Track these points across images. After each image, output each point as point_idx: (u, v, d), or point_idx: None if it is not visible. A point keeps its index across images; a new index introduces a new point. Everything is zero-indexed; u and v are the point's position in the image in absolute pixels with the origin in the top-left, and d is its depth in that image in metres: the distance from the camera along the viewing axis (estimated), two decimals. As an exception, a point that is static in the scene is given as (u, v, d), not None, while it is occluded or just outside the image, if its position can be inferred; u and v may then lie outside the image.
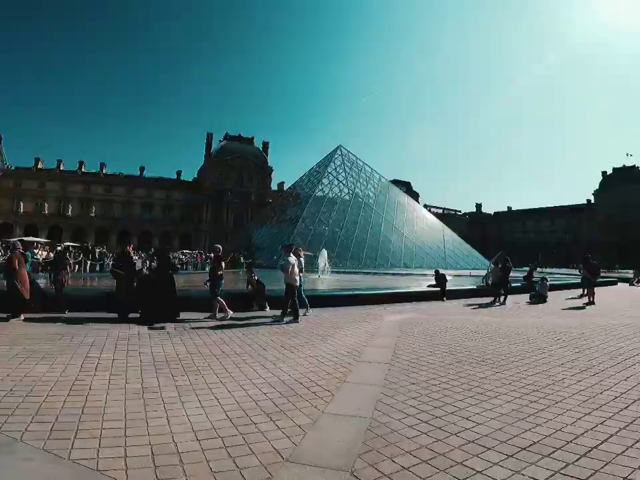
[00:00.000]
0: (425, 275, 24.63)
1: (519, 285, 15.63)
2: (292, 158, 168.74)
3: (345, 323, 8.02)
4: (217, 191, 73.24)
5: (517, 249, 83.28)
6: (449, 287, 14.61)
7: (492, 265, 13.74)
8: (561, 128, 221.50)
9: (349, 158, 46.38)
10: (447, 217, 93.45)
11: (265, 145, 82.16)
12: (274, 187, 78.87)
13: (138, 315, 7.67)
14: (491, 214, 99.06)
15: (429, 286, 13.54)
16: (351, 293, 12.56)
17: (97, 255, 22.25)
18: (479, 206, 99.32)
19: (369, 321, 8.37)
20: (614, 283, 23.28)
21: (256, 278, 9.91)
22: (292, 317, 8.08)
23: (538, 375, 4.36)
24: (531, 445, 2.66)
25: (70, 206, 65.60)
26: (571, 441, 2.70)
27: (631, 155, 72.95)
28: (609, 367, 4.70)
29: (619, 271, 45.75)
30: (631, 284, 23.28)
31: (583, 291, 15.17)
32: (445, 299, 12.73)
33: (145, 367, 4.56)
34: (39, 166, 67.56)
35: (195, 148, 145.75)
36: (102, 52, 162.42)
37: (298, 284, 8.34)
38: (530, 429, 2.91)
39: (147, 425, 2.97)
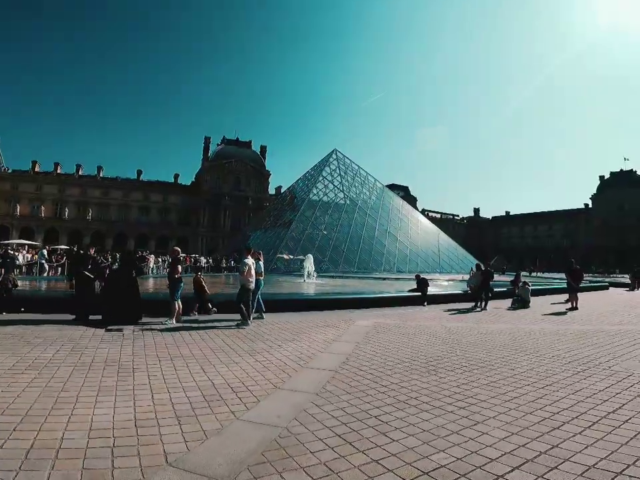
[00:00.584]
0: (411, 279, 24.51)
1: (505, 289, 15.50)
2: (290, 161, 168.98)
3: (311, 327, 7.85)
4: (214, 195, 73.24)
5: (515, 253, 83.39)
6: (435, 291, 14.50)
7: (473, 270, 13.58)
8: (559, 132, 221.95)
9: (344, 162, 46.38)
10: (445, 222, 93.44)
11: (263, 148, 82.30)
12: (272, 190, 79.02)
13: (100, 317, 7.57)
14: (489, 218, 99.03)
15: (409, 291, 13.37)
16: (326, 297, 12.41)
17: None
18: (476, 211, 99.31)
19: (338, 325, 8.19)
20: (605, 288, 23.08)
21: (202, 277, 9.90)
22: (243, 320, 7.87)
23: (484, 387, 4.12)
24: (435, 469, 2.42)
25: (67, 209, 65.60)
26: (480, 467, 2.46)
27: (628, 159, 72.75)
28: (563, 378, 4.43)
29: (617, 275, 45.51)
30: (632, 289, 22.98)
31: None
32: (425, 304, 12.56)
33: (79, 367, 4.48)
34: (36, 169, 67.61)
35: (192, 151, 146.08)
36: (100, 54, 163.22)
37: (253, 286, 8.19)
38: (444, 449, 2.69)
39: (43, 421, 2.97)
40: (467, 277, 30.13)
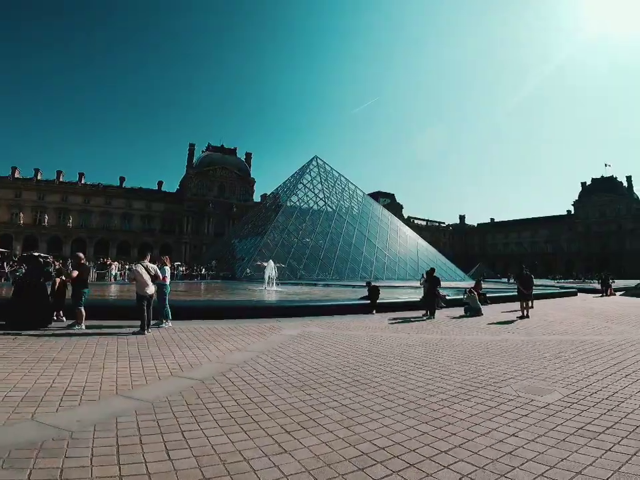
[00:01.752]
0: (391, 287, 24.26)
1: (462, 297, 15.28)
2: (277, 169, 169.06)
3: (224, 336, 7.60)
4: (198, 202, 72.73)
5: (500, 259, 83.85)
6: (390, 299, 14.27)
7: (424, 276, 13.38)
8: (543, 139, 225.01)
9: (324, 169, 46.25)
10: (431, 229, 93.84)
11: (248, 155, 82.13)
12: (257, 198, 78.56)
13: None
14: (474, 225, 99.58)
15: (361, 298, 13.12)
16: (256, 304, 12.09)
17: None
18: (462, 218, 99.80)
19: (258, 334, 7.93)
20: (574, 294, 22.98)
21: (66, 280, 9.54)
22: (139, 328, 7.67)
23: (337, 408, 3.68)
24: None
25: (46, 216, 64.59)
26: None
27: (610, 166, 73.64)
28: (436, 401, 3.92)
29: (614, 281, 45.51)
30: (603, 294, 22.91)
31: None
32: (374, 312, 12.30)
33: None
34: (16, 175, 66.59)
35: (177, 158, 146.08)
36: (83, 61, 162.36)
37: (148, 292, 7.91)
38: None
39: None
40: (443, 284, 30.12)
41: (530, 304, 15.07)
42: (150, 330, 7.80)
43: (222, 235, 65.96)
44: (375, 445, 2.87)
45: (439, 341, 7.63)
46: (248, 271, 30.70)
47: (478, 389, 4.32)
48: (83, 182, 70.35)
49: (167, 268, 8.79)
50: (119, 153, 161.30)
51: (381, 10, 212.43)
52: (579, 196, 77.95)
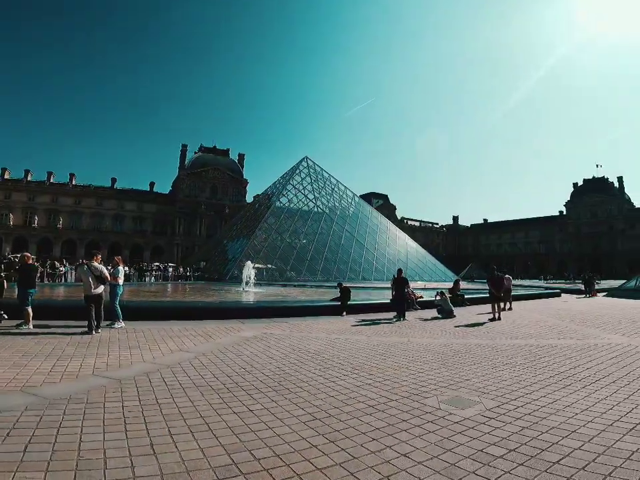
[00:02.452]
0: (377, 288, 24.11)
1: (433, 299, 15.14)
2: (271, 170, 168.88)
3: (174, 337, 7.49)
4: (190, 203, 72.45)
5: (493, 260, 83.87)
6: (362, 300, 14.14)
7: (395, 276, 13.23)
8: (536, 140, 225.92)
9: (314, 169, 46.10)
10: (424, 230, 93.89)
11: (241, 157, 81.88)
12: (250, 199, 78.18)
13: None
14: (467, 226, 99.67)
15: (332, 300, 12.98)
16: (219, 306, 11.94)
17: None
18: (455, 218, 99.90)
19: (212, 335, 7.84)
20: (557, 295, 22.92)
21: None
22: (87, 329, 7.66)
23: (240, 414, 3.54)
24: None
25: (36, 217, 64.14)
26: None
27: (601, 166, 73.91)
28: (369, 406, 3.82)
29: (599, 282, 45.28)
30: (586, 295, 22.86)
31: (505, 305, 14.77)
32: (344, 313, 12.16)
33: None
34: (6, 176, 66.08)
35: (169, 159, 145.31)
36: (74, 61, 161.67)
37: (96, 292, 7.85)
38: None
39: None
40: (429, 285, 29.97)
41: (508, 305, 15.02)
42: (100, 330, 7.78)
43: (214, 237, 65.76)
44: (253, 455, 2.73)
45: (394, 344, 7.48)
46: (235, 272, 30.51)
47: (402, 399, 4.11)
48: (73, 183, 69.91)
49: (120, 269, 8.72)
50: (111, 153, 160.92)
51: (379, 4, 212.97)
52: (571, 196, 78.15)
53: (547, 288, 26.08)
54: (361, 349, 6.98)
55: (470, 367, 5.68)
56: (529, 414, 3.68)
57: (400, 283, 11.93)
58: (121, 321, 8.53)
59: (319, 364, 5.70)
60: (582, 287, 24.81)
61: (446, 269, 43.64)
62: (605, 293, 24.33)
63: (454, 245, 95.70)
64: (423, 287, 27.30)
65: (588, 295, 22.82)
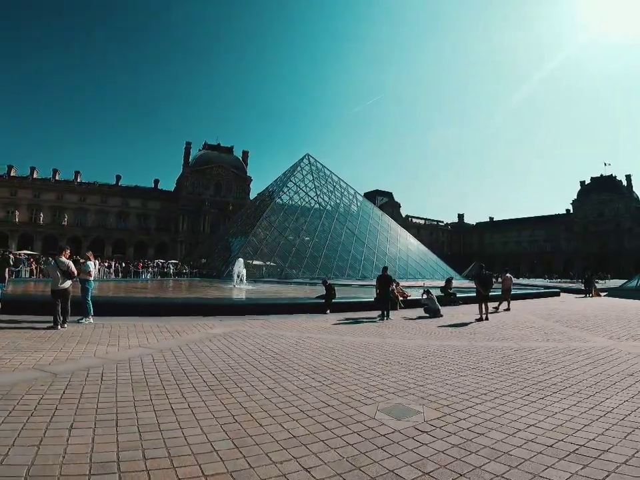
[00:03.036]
0: (375, 286, 23.72)
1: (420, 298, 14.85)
2: (275, 168, 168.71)
3: (140, 332, 7.43)
4: (194, 200, 72.61)
5: (498, 258, 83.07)
6: (346, 298, 13.93)
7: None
8: (543, 137, 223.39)
9: (316, 167, 45.91)
10: (429, 228, 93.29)
11: (245, 154, 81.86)
12: (253, 196, 78.32)
13: None
14: (473, 224, 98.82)
15: (317, 297, 12.80)
16: (185, 302, 11.95)
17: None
18: (461, 216, 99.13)
19: (179, 331, 7.76)
20: (556, 294, 22.49)
21: None
22: (52, 324, 7.61)
23: (153, 412, 3.43)
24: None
25: (42, 214, 64.69)
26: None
27: (609, 164, 72.66)
28: (299, 411, 3.60)
29: (605, 281, 44.57)
30: (586, 295, 22.38)
31: (498, 304, 14.43)
32: (328, 311, 11.98)
33: None
34: (12, 173, 66.72)
35: (173, 157, 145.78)
36: (79, 59, 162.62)
37: (63, 287, 7.81)
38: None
39: None
40: (428, 283, 29.59)
41: (506, 305, 14.60)
42: (67, 325, 7.75)
43: (217, 234, 65.87)
44: (145, 454, 2.62)
45: (365, 345, 7.24)
46: (231, 269, 30.47)
47: (339, 405, 3.85)
48: (79, 180, 70.39)
49: (91, 263, 8.69)
50: (116, 151, 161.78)
51: (381, 4, 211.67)
52: (578, 195, 77.06)
53: (545, 287, 25.62)
54: (328, 349, 6.78)
55: (432, 371, 5.40)
56: (468, 429, 3.36)
57: (384, 281, 11.67)
58: (90, 316, 8.48)
59: (275, 364, 5.52)
60: (584, 286, 24.29)
61: (448, 267, 43.24)
62: (606, 293, 23.85)
63: (459, 243, 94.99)
64: (422, 285, 26.97)
65: (588, 295, 22.36)
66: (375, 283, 12.39)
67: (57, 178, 69.19)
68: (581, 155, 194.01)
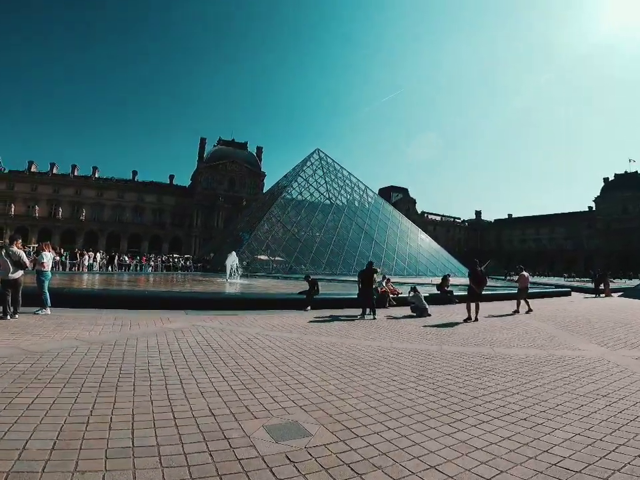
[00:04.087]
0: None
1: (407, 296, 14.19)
2: (289, 163, 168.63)
3: (86, 325, 7.24)
4: (208, 196, 73.08)
5: (516, 256, 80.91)
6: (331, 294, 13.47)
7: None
8: (563, 133, 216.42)
9: (326, 162, 45.36)
10: (446, 224, 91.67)
11: (259, 150, 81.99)
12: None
13: None
14: (490, 221, 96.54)
15: (299, 293, 12.37)
16: (149, 294, 11.78)
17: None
18: (478, 213, 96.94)
19: (136, 324, 7.60)
20: (567, 294, 21.40)
21: None
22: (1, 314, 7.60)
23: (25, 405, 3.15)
24: None
25: (61, 209, 66.14)
26: None
27: (634, 161, 69.51)
28: (185, 424, 3.34)
29: (625, 280, 42.64)
30: (595, 295, 21.20)
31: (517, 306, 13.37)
32: (309, 308, 11.53)
33: None
34: (33, 169, 68.41)
35: (188, 152, 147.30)
36: (96, 55, 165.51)
37: (11, 278, 7.68)
38: None
39: None
40: (436, 280, 28.69)
41: (527, 307, 13.29)
42: (17, 315, 7.71)
43: (227, 229, 66.14)
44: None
45: (323, 345, 6.74)
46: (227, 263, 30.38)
47: (223, 416, 3.30)
48: (96, 176, 71.67)
49: (46, 254, 8.51)
50: (132, 147, 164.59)
51: (398, 7, 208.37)
52: (601, 192, 74.21)
53: (557, 286, 24.51)
54: (279, 348, 6.35)
55: (368, 382, 4.67)
56: (348, 463, 2.63)
57: (365, 276, 11.06)
58: (48, 307, 8.38)
59: (202, 362, 5.13)
60: (593, 286, 23.06)
61: (459, 265, 42.09)
62: (620, 293, 22.62)
63: (476, 240, 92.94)
64: (430, 282, 26.18)
65: (599, 295, 21.19)
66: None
67: (75, 173, 70.57)
68: (603, 152, 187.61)
